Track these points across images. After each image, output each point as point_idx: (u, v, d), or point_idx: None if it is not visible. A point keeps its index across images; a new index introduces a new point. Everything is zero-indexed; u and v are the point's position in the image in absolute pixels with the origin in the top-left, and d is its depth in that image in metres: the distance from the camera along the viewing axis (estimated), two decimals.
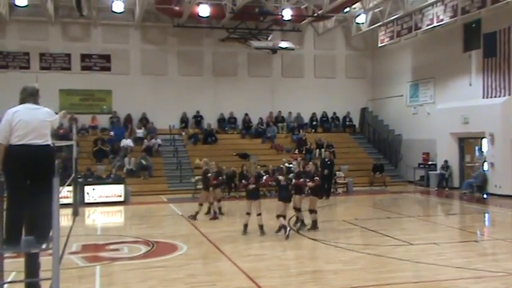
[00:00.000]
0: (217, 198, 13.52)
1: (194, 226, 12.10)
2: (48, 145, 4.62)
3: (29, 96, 4.70)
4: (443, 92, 20.62)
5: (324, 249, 9.48)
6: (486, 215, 14.55)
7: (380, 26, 22.30)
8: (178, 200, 17.01)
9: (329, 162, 17.60)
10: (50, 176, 4.41)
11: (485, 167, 17.89)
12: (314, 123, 24.39)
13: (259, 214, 10.68)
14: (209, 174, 13.09)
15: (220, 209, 13.62)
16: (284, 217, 10.43)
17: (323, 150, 21.53)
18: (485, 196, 16.90)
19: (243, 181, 11.30)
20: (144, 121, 22.44)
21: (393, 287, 7.13)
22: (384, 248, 9.24)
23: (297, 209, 11.18)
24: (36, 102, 4.73)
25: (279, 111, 24.14)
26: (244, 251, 9.55)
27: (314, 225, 11.04)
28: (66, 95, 22.02)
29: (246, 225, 10.72)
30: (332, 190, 17.92)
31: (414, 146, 22.06)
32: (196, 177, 18.61)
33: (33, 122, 4.51)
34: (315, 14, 21.10)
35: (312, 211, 11.04)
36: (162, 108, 22.51)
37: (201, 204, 13.03)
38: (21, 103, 4.70)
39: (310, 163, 11.60)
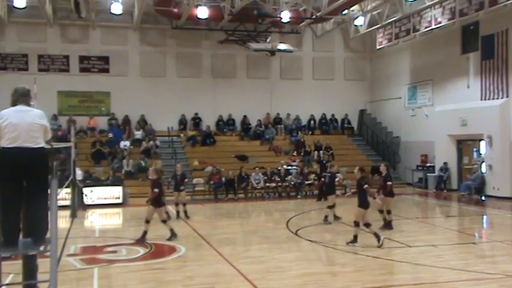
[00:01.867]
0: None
1: (192, 228, 12.09)
2: (41, 147, 4.54)
3: (20, 97, 4.63)
4: (441, 94, 20.66)
5: (323, 251, 9.48)
6: (484, 217, 14.57)
7: (378, 28, 22.35)
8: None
9: (326, 165, 17.63)
10: (44, 178, 4.40)
11: (483, 169, 17.92)
12: (312, 125, 24.41)
13: (164, 221, 10.39)
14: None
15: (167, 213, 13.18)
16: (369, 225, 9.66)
17: (321, 152, 21.54)
18: (483, 198, 16.92)
19: (156, 190, 10.33)
20: (142, 123, 22.43)
21: None
22: (383, 250, 9.23)
23: (388, 211, 11.27)
24: (27, 104, 4.66)
25: (278, 113, 24.15)
26: (243, 253, 9.54)
27: (389, 225, 11.19)
28: (64, 97, 22.00)
29: (145, 232, 10.26)
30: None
31: (412, 148, 22.08)
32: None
33: (21, 124, 4.44)
34: (314, 16, 21.12)
35: (389, 211, 11.26)
36: (161, 110, 22.50)
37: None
38: (12, 105, 4.65)
39: (382, 165, 11.56)
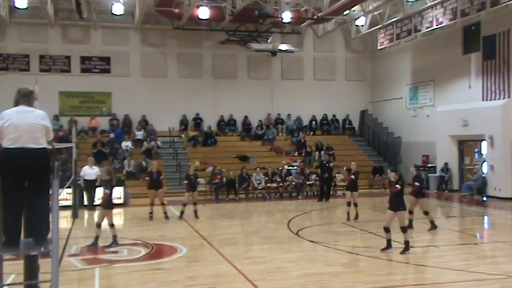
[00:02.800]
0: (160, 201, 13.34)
1: (193, 228, 12.10)
2: (43, 148, 4.55)
3: (22, 98, 4.64)
4: (442, 94, 20.64)
5: (324, 251, 9.47)
6: (486, 217, 14.56)
7: (379, 28, 22.33)
8: (178, 202, 16.98)
9: (327, 165, 17.60)
10: (45, 179, 4.40)
11: (484, 169, 17.89)
12: (314, 125, 24.40)
13: (111, 224, 9.91)
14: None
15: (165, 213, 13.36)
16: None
17: (322, 152, 21.50)
18: (484, 199, 16.90)
19: (106, 191, 9.92)
20: (144, 123, 22.45)
21: None
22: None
23: (425, 212, 11.33)
24: (30, 104, 4.67)
25: (278, 114, 24.16)
26: (244, 253, 9.55)
27: (434, 225, 11.23)
28: (66, 97, 22.03)
29: (97, 238, 9.79)
30: (331, 193, 17.95)
31: (413, 148, 22.06)
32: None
33: (23, 125, 4.45)
34: (315, 17, 21.12)
35: (426, 212, 11.31)
36: (162, 110, 22.51)
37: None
38: (15, 105, 4.66)
39: (413, 166, 11.73)
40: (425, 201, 11.56)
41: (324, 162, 17.86)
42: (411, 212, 11.35)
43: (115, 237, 9.86)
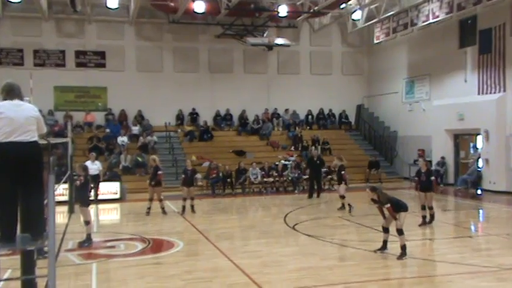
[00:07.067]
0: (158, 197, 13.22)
1: (190, 223, 12.12)
2: (36, 141, 4.55)
3: (13, 92, 4.61)
4: (438, 88, 20.68)
5: (320, 245, 9.51)
6: (480, 210, 14.65)
7: (375, 22, 22.31)
8: (174, 197, 16.99)
9: (318, 162, 17.45)
10: (40, 173, 4.39)
11: (480, 163, 17.97)
12: (310, 120, 24.40)
13: (87, 222, 9.56)
14: (159, 172, 13.25)
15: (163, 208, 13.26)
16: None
17: (313, 148, 21.10)
18: (479, 192, 16.99)
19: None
20: (139, 118, 22.38)
21: (388, 283, 7.18)
22: (380, 244, 9.25)
23: (430, 207, 11.42)
24: (20, 99, 4.66)
25: (275, 108, 24.14)
26: (241, 247, 9.58)
27: (432, 219, 11.30)
28: (61, 92, 21.91)
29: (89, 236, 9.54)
30: (326, 187, 17.98)
31: (409, 142, 22.13)
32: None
33: (18, 118, 4.43)
34: (311, 10, 21.07)
35: (431, 208, 11.39)
36: (158, 105, 22.44)
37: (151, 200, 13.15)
38: (4, 99, 4.61)
39: (421, 159, 11.80)
40: (433, 196, 11.62)
41: (315, 159, 17.62)
42: (424, 208, 11.39)
43: (89, 235, 9.51)
